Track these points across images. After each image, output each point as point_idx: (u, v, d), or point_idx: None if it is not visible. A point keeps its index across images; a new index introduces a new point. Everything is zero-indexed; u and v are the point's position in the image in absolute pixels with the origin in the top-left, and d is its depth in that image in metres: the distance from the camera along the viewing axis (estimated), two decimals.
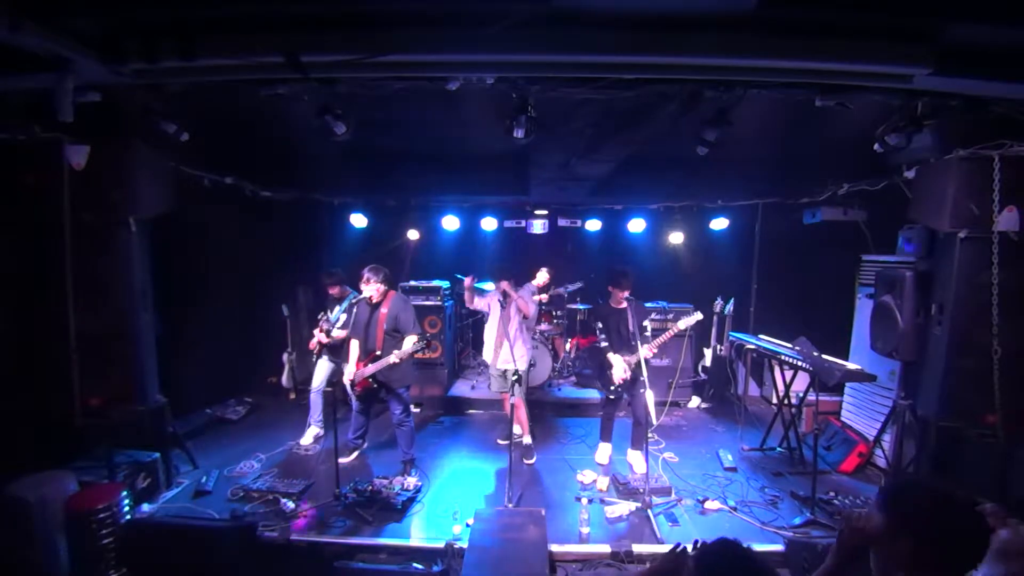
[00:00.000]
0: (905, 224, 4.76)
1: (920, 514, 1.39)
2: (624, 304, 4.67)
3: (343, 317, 5.24)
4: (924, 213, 4.07)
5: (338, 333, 5.24)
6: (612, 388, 4.65)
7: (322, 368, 5.37)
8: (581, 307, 7.48)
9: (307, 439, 5.29)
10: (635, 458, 4.79)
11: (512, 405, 4.75)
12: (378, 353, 4.49)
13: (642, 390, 4.37)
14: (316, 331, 5.39)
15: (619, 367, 4.51)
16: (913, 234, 4.66)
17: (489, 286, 5.62)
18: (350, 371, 4.61)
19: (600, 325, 4.71)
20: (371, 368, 4.45)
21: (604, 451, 5.02)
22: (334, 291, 5.42)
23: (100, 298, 3.96)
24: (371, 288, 4.56)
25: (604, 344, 4.63)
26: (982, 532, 1.34)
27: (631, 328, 4.50)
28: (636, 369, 4.50)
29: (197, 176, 4.96)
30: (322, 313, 5.51)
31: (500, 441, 5.36)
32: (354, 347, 4.66)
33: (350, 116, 3.74)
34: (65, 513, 3.16)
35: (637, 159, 5.28)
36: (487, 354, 5.23)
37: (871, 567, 1.49)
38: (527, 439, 5.10)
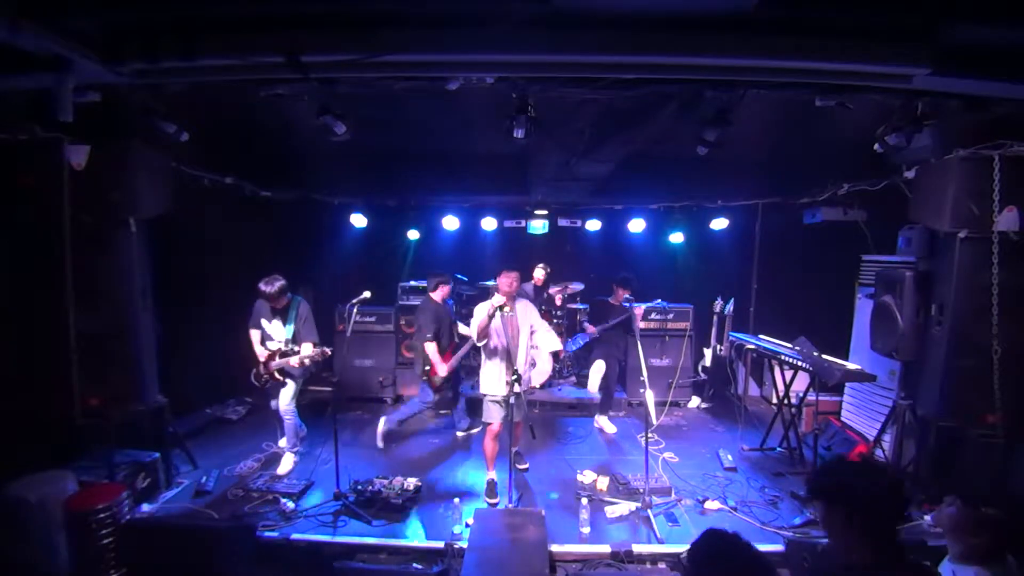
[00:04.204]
0: (905, 224, 4.76)
1: (844, 484, 1.62)
2: (618, 304, 5.51)
3: (291, 328, 4.62)
4: (924, 213, 4.07)
5: (310, 350, 4.51)
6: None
7: (290, 389, 4.66)
8: (581, 307, 7.48)
9: (285, 466, 4.64)
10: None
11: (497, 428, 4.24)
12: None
13: (642, 390, 4.38)
14: (269, 360, 4.59)
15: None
16: (913, 234, 4.66)
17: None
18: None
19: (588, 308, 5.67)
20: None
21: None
22: (282, 301, 4.59)
23: (100, 298, 3.95)
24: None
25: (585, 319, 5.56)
26: (897, 492, 1.60)
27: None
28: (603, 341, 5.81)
29: (197, 176, 4.95)
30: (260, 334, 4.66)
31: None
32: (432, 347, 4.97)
33: (350, 116, 3.75)
34: (65, 513, 3.15)
35: (637, 159, 5.28)
36: (493, 384, 4.17)
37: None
38: (492, 473, 4.35)
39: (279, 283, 4.49)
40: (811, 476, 1.83)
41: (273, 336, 4.66)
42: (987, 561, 1.88)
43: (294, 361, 4.49)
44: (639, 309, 5.86)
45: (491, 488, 4.28)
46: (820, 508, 1.68)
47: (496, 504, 4.14)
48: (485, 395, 4.22)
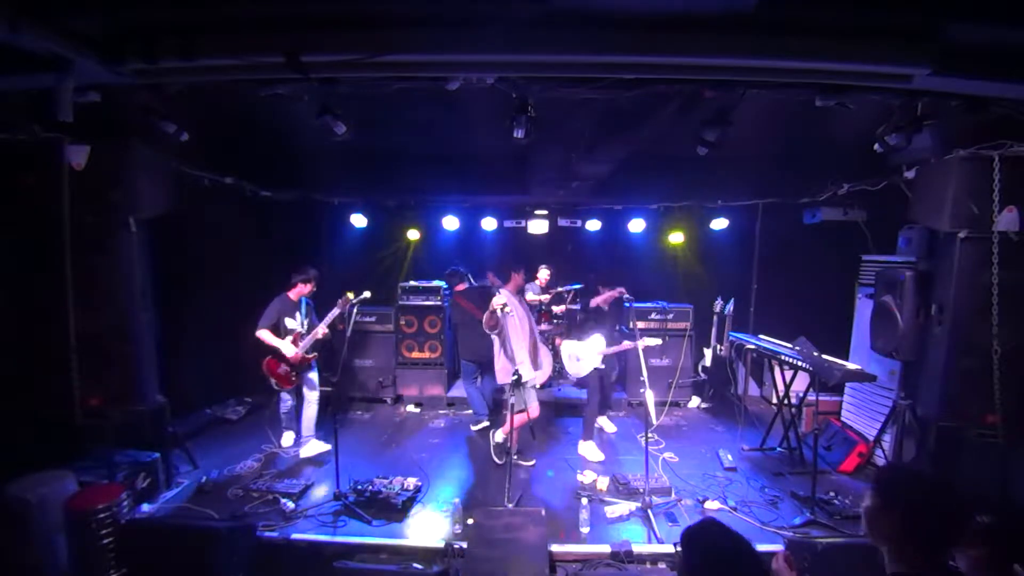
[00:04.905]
0: (905, 224, 4.76)
1: (906, 493, 1.57)
2: (607, 307, 5.45)
3: (305, 318, 5.06)
4: (924, 213, 4.07)
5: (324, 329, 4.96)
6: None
7: (315, 374, 5.11)
8: (577, 307, 7.47)
9: (315, 448, 5.00)
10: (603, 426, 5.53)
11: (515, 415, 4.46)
12: None
13: (642, 390, 4.39)
14: (292, 347, 4.86)
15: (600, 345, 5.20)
16: (913, 234, 4.66)
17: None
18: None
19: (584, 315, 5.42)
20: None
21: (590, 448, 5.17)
22: (311, 290, 5.13)
23: (100, 298, 3.95)
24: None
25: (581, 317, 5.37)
26: (962, 513, 1.53)
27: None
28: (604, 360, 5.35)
29: (197, 176, 4.96)
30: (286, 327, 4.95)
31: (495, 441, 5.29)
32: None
33: (350, 116, 3.74)
34: (65, 513, 3.16)
35: (637, 159, 5.27)
36: (526, 368, 4.50)
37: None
38: (502, 435, 4.82)
39: (314, 271, 5.13)
40: (885, 468, 1.79)
41: (290, 328, 4.97)
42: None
43: (321, 332, 4.91)
44: (642, 343, 5.07)
45: (499, 449, 4.68)
46: (873, 503, 1.61)
47: (502, 464, 4.34)
48: (525, 382, 4.43)
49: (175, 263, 5.11)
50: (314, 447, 5.01)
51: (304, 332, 4.98)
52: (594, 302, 5.45)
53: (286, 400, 5.11)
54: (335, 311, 4.85)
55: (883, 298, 4.46)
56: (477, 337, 5.20)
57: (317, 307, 5.23)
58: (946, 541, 1.51)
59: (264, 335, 4.83)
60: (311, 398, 5.08)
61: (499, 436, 4.89)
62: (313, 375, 5.11)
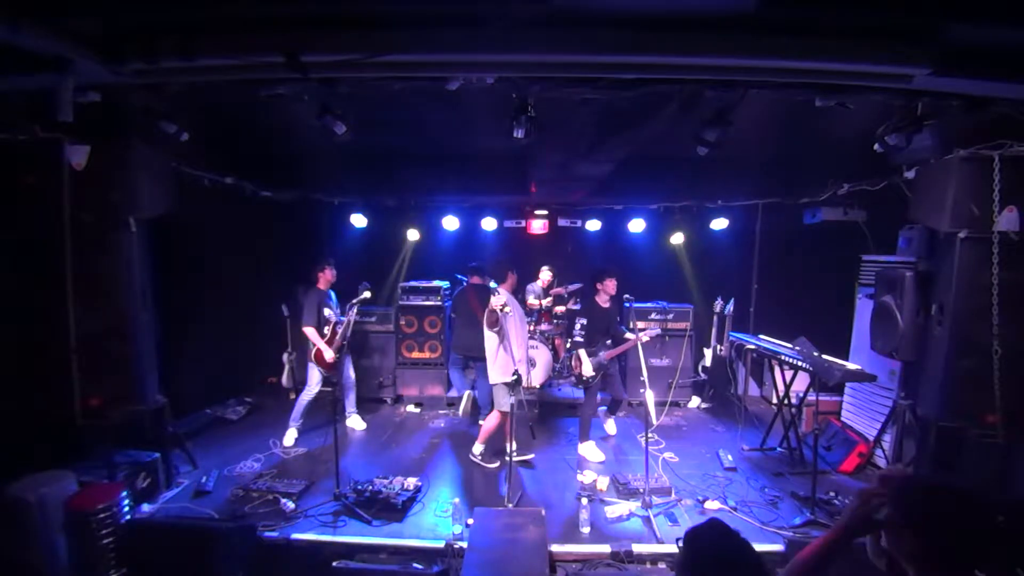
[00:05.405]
0: (905, 224, 4.76)
1: (930, 511, 1.45)
2: (608, 304, 5.16)
3: (337, 311, 5.48)
4: (924, 213, 4.07)
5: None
6: (586, 378, 4.98)
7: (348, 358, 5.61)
8: (578, 307, 7.47)
9: (358, 424, 5.79)
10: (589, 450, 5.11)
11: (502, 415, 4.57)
12: None
13: (642, 390, 4.39)
14: (333, 338, 5.28)
15: (587, 364, 4.92)
16: (913, 234, 4.66)
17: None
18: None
19: (584, 321, 5.04)
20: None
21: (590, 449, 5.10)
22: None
23: (100, 298, 3.95)
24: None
25: (579, 339, 5.00)
26: (987, 529, 1.43)
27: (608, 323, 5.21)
28: (610, 362, 5.12)
29: (197, 176, 4.96)
30: (328, 311, 5.36)
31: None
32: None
33: (350, 116, 3.75)
34: (65, 513, 3.16)
35: (637, 159, 5.28)
36: (524, 367, 4.56)
37: (868, 552, 1.54)
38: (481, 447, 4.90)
39: (330, 258, 5.50)
40: (905, 482, 1.63)
41: (330, 318, 5.34)
42: None
43: (353, 316, 5.18)
44: (649, 334, 5.21)
45: (486, 455, 4.81)
46: (894, 520, 1.47)
47: (500, 466, 4.49)
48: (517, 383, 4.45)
49: (175, 263, 5.11)
50: (356, 421, 5.77)
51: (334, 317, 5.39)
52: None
53: (311, 388, 5.31)
54: (360, 296, 5.16)
55: (883, 298, 4.46)
56: (473, 336, 5.21)
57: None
58: (972, 560, 1.41)
59: (310, 333, 5.22)
60: (353, 378, 5.72)
61: (477, 448, 4.89)
62: (348, 359, 5.61)
